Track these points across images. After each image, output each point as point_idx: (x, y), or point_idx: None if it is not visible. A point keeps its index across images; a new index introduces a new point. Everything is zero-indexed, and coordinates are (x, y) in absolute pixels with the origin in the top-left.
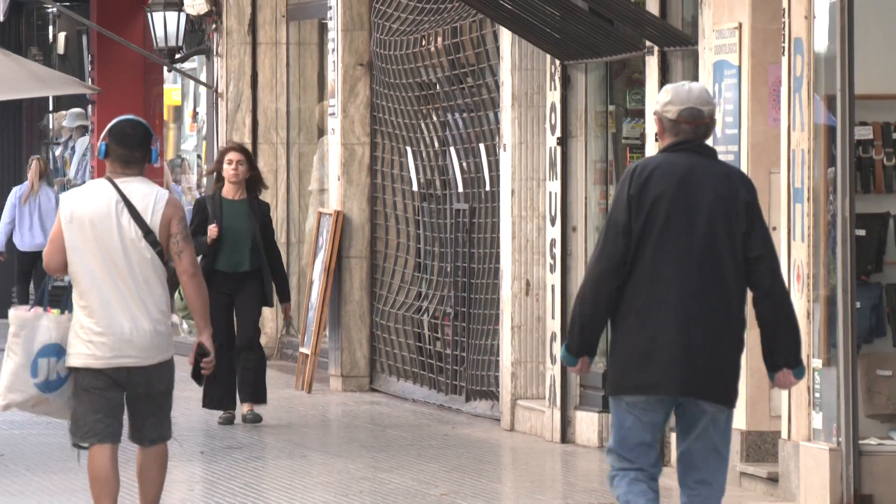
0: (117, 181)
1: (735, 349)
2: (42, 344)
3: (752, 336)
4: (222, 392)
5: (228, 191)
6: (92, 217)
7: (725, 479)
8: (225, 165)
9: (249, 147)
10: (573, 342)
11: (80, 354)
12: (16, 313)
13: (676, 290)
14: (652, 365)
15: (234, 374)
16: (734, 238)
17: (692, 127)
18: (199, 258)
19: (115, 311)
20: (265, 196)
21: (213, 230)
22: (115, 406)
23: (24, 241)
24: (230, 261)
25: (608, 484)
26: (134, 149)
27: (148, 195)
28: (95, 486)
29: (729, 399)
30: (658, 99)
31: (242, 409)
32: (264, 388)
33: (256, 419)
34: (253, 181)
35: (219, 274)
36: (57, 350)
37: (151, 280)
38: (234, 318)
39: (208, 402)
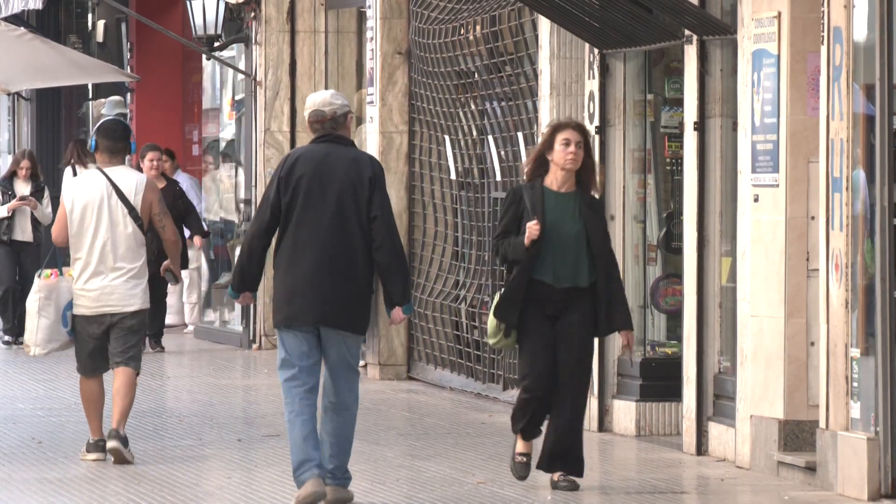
0: (106, 170)
1: (359, 290)
2: (66, 301)
3: (790, 325)
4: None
5: (554, 180)
6: (87, 199)
7: (358, 395)
8: (558, 147)
9: (287, 136)
10: (235, 283)
11: (76, 305)
12: (44, 282)
13: (312, 245)
14: (294, 302)
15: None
16: (360, 205)
17: (320, 124)
18: (513, 267)
19: (102, 271)
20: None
21: (534, 228)
22: (100, 349)
23: None
24: (554, 273)
25: (283, 397)
26: (117, 141)
27: (131, 180)
28: (86, 403)
29: (353, 327)
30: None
31: (553, 475)
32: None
33: (572, 487)
34: (585, 172)
35: (538, 286)
36: (72, 303)
37: (131, 248)
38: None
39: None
